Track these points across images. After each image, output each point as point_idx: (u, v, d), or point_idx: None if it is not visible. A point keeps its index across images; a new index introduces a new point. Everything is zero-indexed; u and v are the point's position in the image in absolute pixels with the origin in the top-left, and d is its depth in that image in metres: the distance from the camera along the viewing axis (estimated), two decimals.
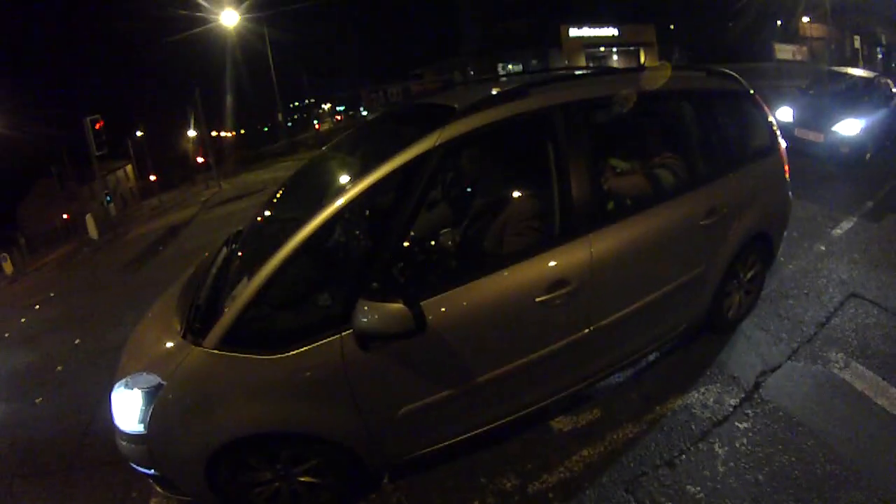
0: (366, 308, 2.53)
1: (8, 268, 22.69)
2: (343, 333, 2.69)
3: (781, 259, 5.17)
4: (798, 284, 5.09)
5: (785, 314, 4.62)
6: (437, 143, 2.85)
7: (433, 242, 3.33)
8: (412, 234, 3.15)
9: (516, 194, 3.31)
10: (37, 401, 6.12)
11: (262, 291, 2.69)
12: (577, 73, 4.10)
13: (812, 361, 4.01)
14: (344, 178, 3.14)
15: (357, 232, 3.27)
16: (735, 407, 3.63)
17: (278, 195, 4.01)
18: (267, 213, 3.90)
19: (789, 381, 3.83)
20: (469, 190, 3.71)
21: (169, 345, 3.00)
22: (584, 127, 3.24)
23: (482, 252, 3.23)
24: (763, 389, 3.76)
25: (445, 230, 3.37)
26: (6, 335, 9.75)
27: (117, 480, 4.02)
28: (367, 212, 3.31)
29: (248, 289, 2.71)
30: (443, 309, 2.82)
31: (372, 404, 2.90)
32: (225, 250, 3.86)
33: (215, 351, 2.75)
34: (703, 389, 3.80)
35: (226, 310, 2.80)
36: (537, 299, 2.99)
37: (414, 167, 2.82)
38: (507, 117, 3.05)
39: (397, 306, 2.48)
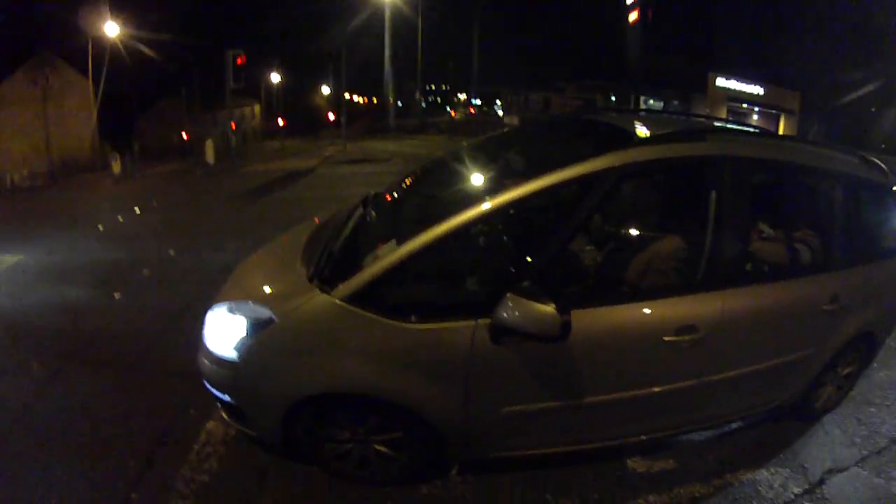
0: (511, 303, 2.58)
1: (116, 168, 23.45)
2: (479, 321, 2.73)
3: (875, 365, 5.06)
4: (884, 394, 4.95)
5: (864, 420, 4.51)
6: (615, 164, 2.89)
7: (579, 258, 3.38)
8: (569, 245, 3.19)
9: (667, 232, 3.34)
10: (115, 295, 6.25)
11: (410, 259, 2.74)
12: (742, 127, 4.08)
13: (876, 474, 3.91)
14: (507, 174, 3.20)
15: (515, 229, 3.33)
16: (797, 496, 3.59)
17: (424, 171, 4.08)
18: (414, 185, 3.98)
19: (851, 486, 3.76)
20: (622, 216, 3.74)
21: (292, 284, 3.05)
22: (746, 184, 3.27)
23: (622, 280, 3.27)
24: (826, 486, 3.71)
25: (589, 247, 3.41)
26: (100, 228, 9.97)
27: (177, 394, 4.09)
28: (528, 212, 3.35)
29: (395, 253, 2.76)
30: (578, 324, 2.83)
31: (481, 396, 2.94)
32: (361, 210, 3.91)
33: (342, 303, 2.78)
34: (773, 470, 3.76)
35: (365, 266, 2.86)
36: (664, 338, 3.02)
37: (589, 182, 2.87)
38: (682, 156, 3.12)
39: (548, 309, 2.51)
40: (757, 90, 42.85)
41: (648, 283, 3.18)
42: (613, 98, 47.21)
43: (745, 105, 43.35)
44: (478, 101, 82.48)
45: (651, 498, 3.41)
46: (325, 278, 2.96)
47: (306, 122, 49.23)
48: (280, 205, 12.12)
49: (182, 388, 4.06)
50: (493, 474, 3.46)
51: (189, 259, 7.61)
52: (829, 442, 4.16)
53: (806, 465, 3.86)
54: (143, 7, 33.80)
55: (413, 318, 2.77)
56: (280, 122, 39.82)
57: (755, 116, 43.49)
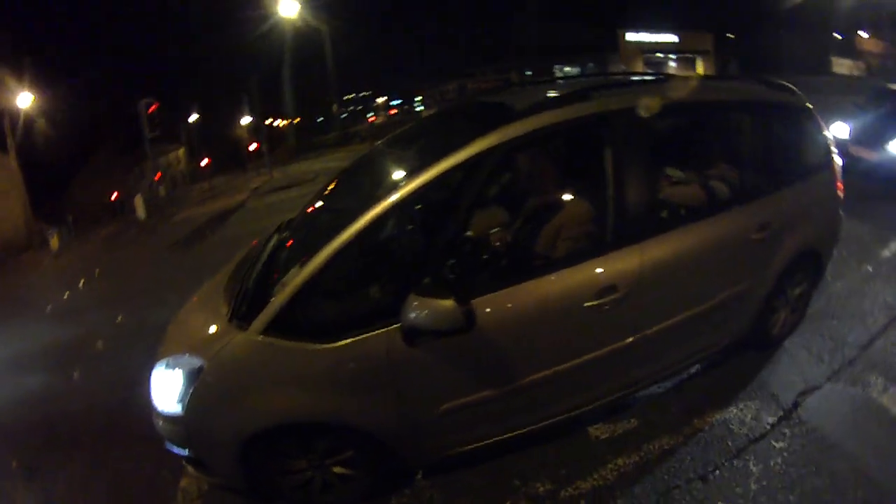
0: (416, 303, 2.55)
1: (54, 243, 23.09)
2: (391, 327, 2.71)
3: (829, 278, 5.06)
4: (843, 305, 4.98)
5: (828, 334, 4.52)
6: (496, 143, 2.86)
7: (485, 242, 3.34)
8: (466, 232, 3.16)
9: (571, 198, 3.31)
10: (74, 374, 6.25)
11: (312, 280, 2.73)
12: (636, 78, 4.06)
13: (852, 384, 3.92)
14: (400, 173, 3.16)
15: (411, 227, 3.29)
16: (773, 425, 3.56)
17: (332, 186, 4.05)
18: (320, 203, 3.94)
19: (828, 403, 3.76)
20: (523, 191, 3.71)
21: (213, 328, 3.05)
22: (643, 133, 3.23)
23: (534, 254, 3.23)
24: (801, 409, 3.69)
25: (496, 229, 3.37)
26: (49, 308, 9.96)
27: (149, 459, 4.06)
28: (420, 207, 3.32)
29: (298, 277, 2.74)
30: (491, 309, 2.82)
31: (414, 399, 2.92)
32: (276, 238, 3.90)
33: (260, 337, 2.78)
34: (742, 406, 3.74)
35: (274, 296, 2.83)
36: (585, 304, 2.98)
37: (472, 165, 2.84)
38: (567, 120, 3.07)
39: (448, 303, 2.50)
40: (670, 38, 43.75)
41: (561, 253, 3.14)
42: (529, 73, 46.48)
43: (660, 55, 44.06)
44: (396, 102, 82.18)
45: (620, 461, 3.37)
46: (242, 315, 2.96)
47: (231, 156, 48.78)
48: (215, 247, 12.22)
49: (152, 453, 3.95)
50: (458, 472, 3.40)
51: (136, 322, 7.59)
52: (796, 364, 4.16)
53: (776, 393, 3.85)
54: (55, 72, 33.30)
55: (328, 336, 2.75)
56: (204, 162, 39.45)
57: (672, 63, 44.47)
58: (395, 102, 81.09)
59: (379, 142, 4.52)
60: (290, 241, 3.63)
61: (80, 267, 15.10)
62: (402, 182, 2.83)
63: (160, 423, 3.09)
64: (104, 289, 10.99)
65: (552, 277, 2.97)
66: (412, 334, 2.68)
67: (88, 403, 5.41)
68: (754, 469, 3.24)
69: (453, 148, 2.86)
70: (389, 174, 3.44)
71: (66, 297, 10.89)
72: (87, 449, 4.62)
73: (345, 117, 67.59)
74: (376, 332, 2.72)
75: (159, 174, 28.03)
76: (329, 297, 2.92)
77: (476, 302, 2.74)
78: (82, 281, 12.15)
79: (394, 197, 2.78)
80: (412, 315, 2.56)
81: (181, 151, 53.37)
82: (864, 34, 37.47)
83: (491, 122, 2.97)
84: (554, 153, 3.48)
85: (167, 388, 2.99)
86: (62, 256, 20.69)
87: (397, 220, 3.26)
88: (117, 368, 6.09)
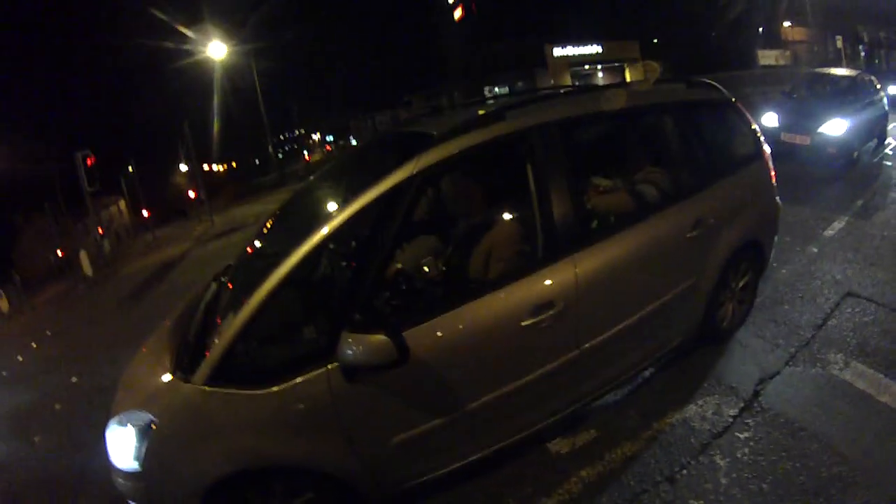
0: (350, 340, 2.52)
1: (4, 306, 22.54)
2: (329, 366, 2.67)
3: (774, 265, 5.16)
4: (792, 288, 5.09)
5: (781, 320, 4.59)
6: (413, 172, 2.84)
7: (418, 271, 3.32)
8: (397, 264, 3.13)
9: (498, 219, 3.30)
10: (35, 440, 6.09)
11: (247, 327, 2.68)
12: (557, 92, 4.09)
13: (811, 365, 3.98)
14: (324, 211, 3.13)
15: (342, 264, 3.25)
16: (734, 417, 3.59)
17: (265, 229, 3.99)
18: (254, 247, 3.88)
19: (789, 387, 3.80)
20: (452, 217, 3.70)
21: (160, 382, 2.98)
22: (562, 147, 3.23)
23: (467, 279, 3.22)
24: (762, 397, 3.73)
25: (428, 258, 3.35)
26: (3, 374, 9.71)
27: None
28: (344, 243, 3.29)
29: (233, 324, 2.69)
30: (428, 338, 2.79)
31: (363, 435, 2.87)
32: (214, 285, 3.85)
33: (205, 387, 2.73)
34: (700, 402, 3.75)
35: (213, 346, 2.78)
36: (523, 323, 2.96)
37: (391, 197, 2.81)
38: (483, 142, 3.04)
39: (379, 338, 2.47)
40: (596, 49, 44.77)
41: (493, 274, 3.12)
42: (459, 97, 46.43)
43: (587, 67, 44.90)
44: (331, 138, 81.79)
45: (583, 473, 3.34)
46: (186, 367, 2.91)
47: (172, 205, 48.16)
48: (162, 298, 12.11)
49: None
50: (423, 503, 3.34)
51: (91, 380, 7.44)
52: (751, 354, 4.21)
53: (734, 385, 3.88)
54: None
55: (270, 381, 2.70)
56: (145, 213, 38.81)
57: (600, 74, 45.40)
58: (329, 139, 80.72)
59: (304, 182, 4.50)
60: (229, 288, 3.57)
61: (32, 328, 14.83)
62: (324, 221, 2.80)
63: (119, 480, 3.00)
64: (57, 349, 10.74)
65: (486, 300, 2.94)
66: (350, 371, 2.64)
67: (51, 467, 5.27)
68: (722, 463, 3.25)
69: (372, 181, 2.84)
70: (314, 213, 3.41)
71: (20, 360, 10.64)
72: None
73: (282, 157, 67.16)
74: (316, 371, 2.69)
75: (101, 229, 27.46)
76: (266, 341, 2.88)
77: (413, 332, 2.71)
78: (34, 343, 11.89)
79: (315, 237, 2.75)
80: (348, 352, 2.53)
81: (122, 203, 52.31)
82: (787, 24, 38.60)
83: (408, 152, 2.94)
84: (476, 176, 3.45)
85: (122, 445, 2.91)
86: (13, 319, 20.22)
87: (326, 259, 3.23)
88: (77, 430, 5.94)
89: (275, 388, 2.69)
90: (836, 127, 9.45)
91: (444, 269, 3.36)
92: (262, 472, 2.87)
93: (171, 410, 2.80)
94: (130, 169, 41.91)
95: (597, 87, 4.53)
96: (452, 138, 2.98)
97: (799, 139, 9.85)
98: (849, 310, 4.61)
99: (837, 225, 6.56)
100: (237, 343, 2.70)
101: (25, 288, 26.90)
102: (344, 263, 3.25)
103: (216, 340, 2.81)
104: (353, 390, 2.70)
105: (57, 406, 6.91)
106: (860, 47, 37.15)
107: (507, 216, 3.29)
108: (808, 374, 3.90)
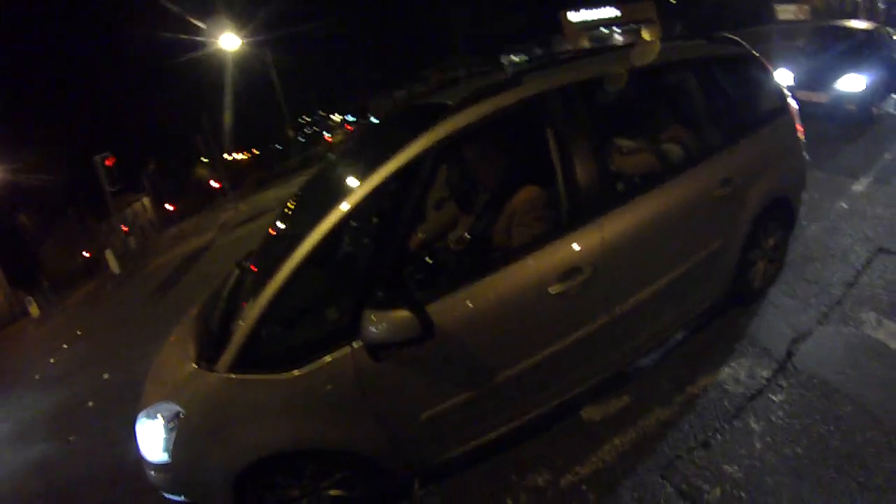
0: (373, 318, 2.49)
1: (34, 311, 23.04)
2: (354, 345, 2.66)
3: (804, 222, 5.03)
4: (823, 246, 4.94)
5: (812, 278, 4.47)
6: (430, 144, 2.80)
7: (441, 243, 3.28)
8: (420, 237, 3.10)
9: (521, 185, 3.22)
10: (70, 439, 6.21)
11: (268, 311, 2.68)
12: (574, 55, 4.00)
13: (843, 324, 3.86)
14: (345, 188, 3.09)
15: (364, 241, 3.23)
16: (768, 379, 3.50)
17: (286, 211, 3.98)
18: (275, 230, 3.88)
19: (822, 348, 3.70)
20: (474, 186, 3.64)
21: (185, 372, 3.00)
22: (582, 109, 3.16)
23: (491, 248, 3.17)
24: (795, 358, 3.63)
25: (452, 230, 3.31)
26: (37, 377, 9.95)
27: None
28: (366, 219, 3.25)
29: (254, 309, 2.69)
30: (454, 310, 2.76)
31: (391, 413, 2.86)
32: (237, 272, 3.86)
33: (229, 375, 2.74)
34: (733, 364, 3.67)
35: (235, 332, 2.78)
36: (550, 290, 2.91)
37: (409, 170, 2.78)
38: (501, 108, 2.98)
39: (402, 313, 2.44)
40: (612, 12, 43.69)
41: (517, 242, 3.07)
42: (476, 67, 46.91)
43: (604, 30, 44.15)
44: (352, 118, 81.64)
45: (616, 441, 3.30)
46: (209, 356, 2.92)
47: (197, 196, 48.53)
48: (189, 290, 12.15)
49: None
50: (455, 476, 3.35)
51: (122, 376, 7.56)
52: (783, 314, 4.11)
53: (767, 346, 3.79)
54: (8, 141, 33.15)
55: (294, 364, 2.71)
56: (170, 207, 39.03)
57: (617, 37, 44.51)
58: (350, 119, 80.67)
59: (323, 160, 4.48)
60: (251, 274, 3.56)
61: (63, 330, 15.07)
62: (342, 199, 2.77)
63: (152, 473, 3.05)
64: (88, 348, 10.93)
65: (512, 269, 2.89)
66: (375, 349, 2.61)
67: (90, 465, 5.37)
68: (756, 427, 3.18)
69: (389, 156, 2.80)
70: (334, 191, 3.39)
71: (52, 362, 10.85)
72: None
73: (304, 140, 67.37)
74: (341, 351, 2.68)
75: (125, 227, 27.81)
76: (288, 324, 2.87)
77: (438, 305, 2.70)
78: (66, 344, 12.12)
79: (335, 216, 2.73)
80: (371, 330, 2.49)
81: (146, 200, 53.35)
82: None
83: (423, 124, 2.91)
84: (497, 143, 3.39)
85: (151, 438, 2.95)
86: (44, 322, 20.60)
87: (345, 236, 3.21)
88: (112, 426, 6.01)
89: (299, 372, 2.69)
90: (853, 82, 9.07)
91: (468, 237, 3.32)
92: (291, 456, 2.88)
93: (197, 400, 2.82)
94: (152, 166, 42.47)
95: (615, 47, 4.44)
96: (468, 107, 2.94)
97: (815, 97, 9.36)
98: (881, 267, 4.46)
99: (865, 181, 6.34)
100: (259, 328, 2.70)
101: (55, 291, 27.45)
102: (365, 240, 3.22)
103: (240, 323, 2.81)
104: (380, 368, 2.68)
105: (90, 403, 7.04)
106: (879, 1, 36.23)
107: (529, 183, 3.21)
108: (840, 334, 3.78)
